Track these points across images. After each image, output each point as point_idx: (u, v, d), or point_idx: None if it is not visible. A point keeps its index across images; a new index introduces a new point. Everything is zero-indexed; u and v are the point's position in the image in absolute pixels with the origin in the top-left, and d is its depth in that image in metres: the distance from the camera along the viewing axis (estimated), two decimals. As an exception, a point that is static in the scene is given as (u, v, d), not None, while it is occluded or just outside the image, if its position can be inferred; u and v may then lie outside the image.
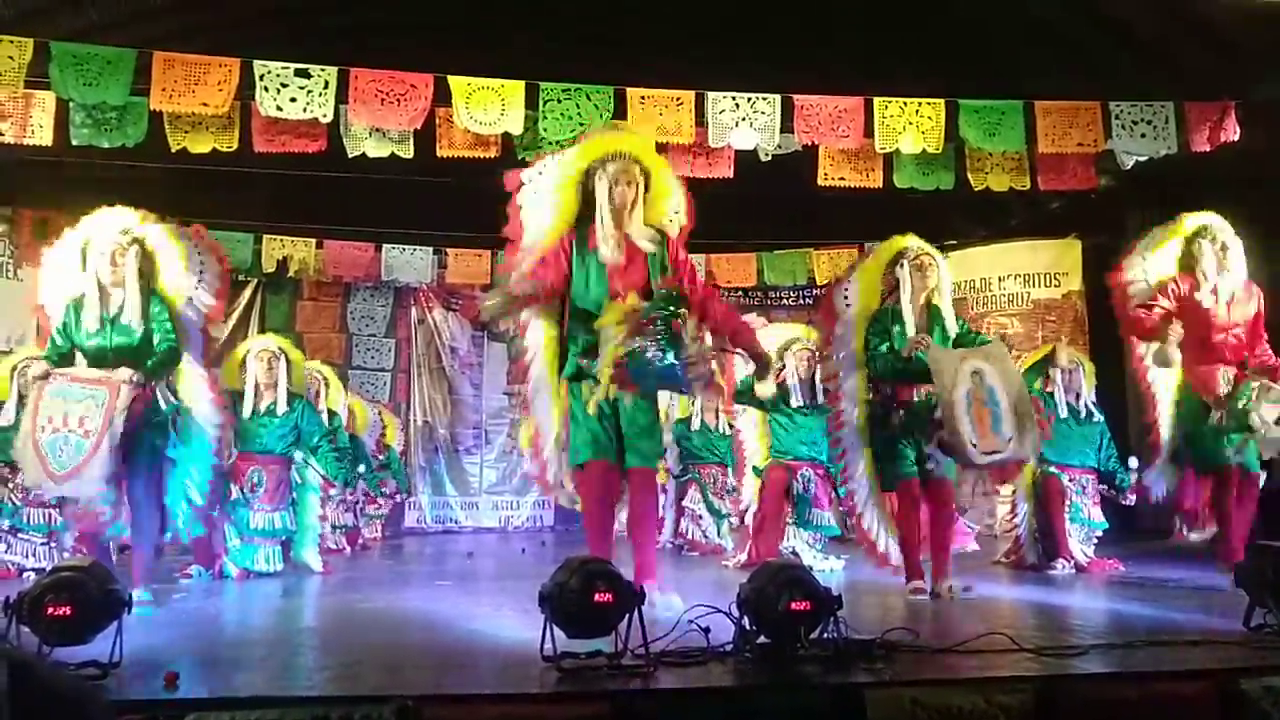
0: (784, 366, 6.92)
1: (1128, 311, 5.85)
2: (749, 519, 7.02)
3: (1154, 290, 5.72)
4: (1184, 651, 3.62)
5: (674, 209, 4.79)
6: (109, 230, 5.04)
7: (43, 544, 6.53)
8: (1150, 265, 5.84)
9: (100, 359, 4.98)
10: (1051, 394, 6.91)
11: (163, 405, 5.12)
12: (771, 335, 7.20)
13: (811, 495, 6.79)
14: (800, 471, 6.81)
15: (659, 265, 4.58)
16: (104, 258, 4.99)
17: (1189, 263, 5.71)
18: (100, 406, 4.72)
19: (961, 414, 5.00)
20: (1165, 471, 5.86)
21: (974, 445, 5.01)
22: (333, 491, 7.18)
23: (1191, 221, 5.77)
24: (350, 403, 8.58)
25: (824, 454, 6.71)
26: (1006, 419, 5.07)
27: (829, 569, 6.45)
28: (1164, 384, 5.85)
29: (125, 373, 4.80)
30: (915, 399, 5.30)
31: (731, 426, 7.99)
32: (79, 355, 5.04)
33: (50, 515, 6.53)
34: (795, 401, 6.86)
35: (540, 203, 4.67)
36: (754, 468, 7.05)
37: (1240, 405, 5.48)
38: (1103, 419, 6.89)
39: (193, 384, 5.28)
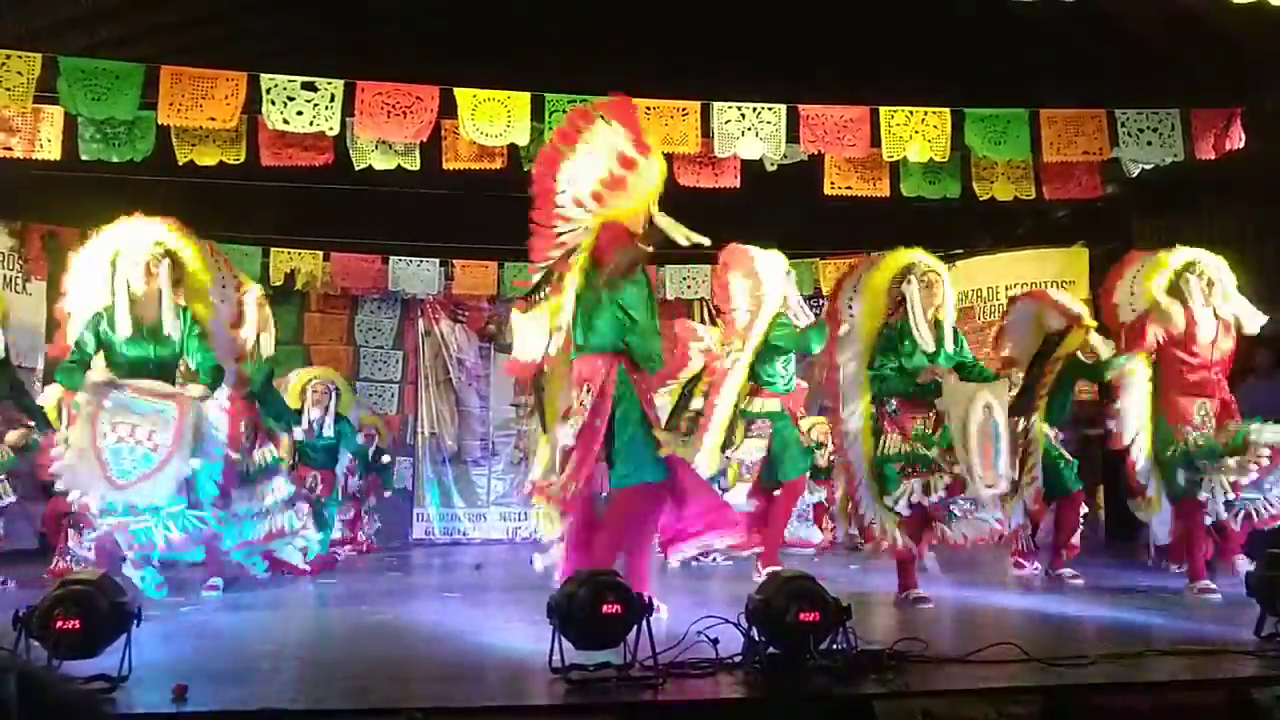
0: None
1: (1122, 329, 5.90)
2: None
3: (1144, 315, 5.73)
4: (1195, 661, 3.60)
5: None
6: (142, 240, 5.09)
7: None
8: (1137, 295, 5.88)
9: (139, 369, 5.02)
10: None
11: None
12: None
13: None
14: None
15: None
16: (137, 267, 5.04)
17: (1176, 296, 5.72)
18: (170, 422, 4.78)
19: (974, 446, 5.09)
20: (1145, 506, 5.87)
21: (981, 478, 5.09)
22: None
23: (1180, 256, 5.80)
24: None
25: None
26: (1004, 456, 5.17)
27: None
28: (1137, 411, 5.83)
29: (198, 389, 4.94)
30: (916, 427, 5.35)
31: None
32: (101, 363, 5.06)
33: None
34: None
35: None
36: None
37: (1209, 442, 5.57)
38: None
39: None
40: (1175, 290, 5.73)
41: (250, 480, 6.30)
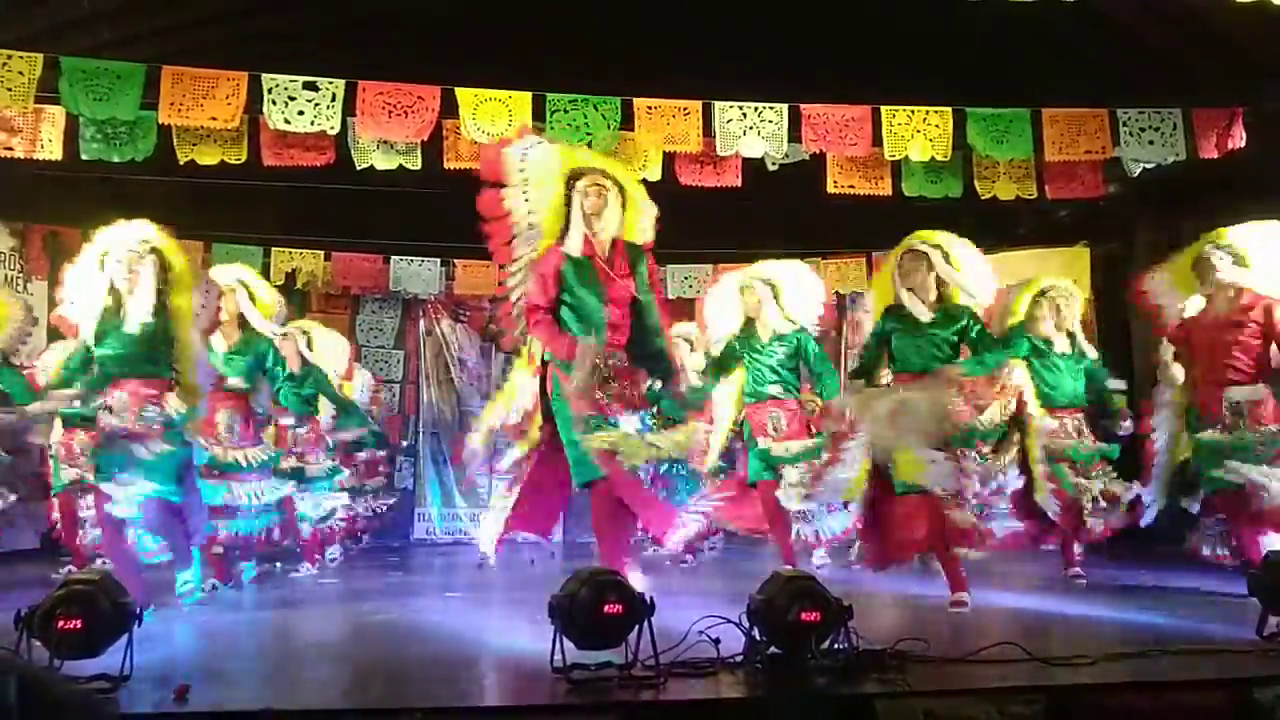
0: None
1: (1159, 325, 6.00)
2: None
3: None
4: (1197, 661, 3.60)
5: (646, 227, 5.06)
6: (128, 239, 5.08)
7: None
8: (1171, 286, 6.01)
9: (120, 366, 5.02)
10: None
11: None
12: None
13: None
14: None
15: (643, 282, 4.93)
16: (120, 265, 5.03)
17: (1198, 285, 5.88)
18: None
19: None
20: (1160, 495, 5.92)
21: None
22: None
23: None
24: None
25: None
26: None
27: None
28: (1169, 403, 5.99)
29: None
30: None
31: None
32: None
33: None
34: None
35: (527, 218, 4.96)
36: None
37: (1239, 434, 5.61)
38: (1088, 360, 6.72)
39: None
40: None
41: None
